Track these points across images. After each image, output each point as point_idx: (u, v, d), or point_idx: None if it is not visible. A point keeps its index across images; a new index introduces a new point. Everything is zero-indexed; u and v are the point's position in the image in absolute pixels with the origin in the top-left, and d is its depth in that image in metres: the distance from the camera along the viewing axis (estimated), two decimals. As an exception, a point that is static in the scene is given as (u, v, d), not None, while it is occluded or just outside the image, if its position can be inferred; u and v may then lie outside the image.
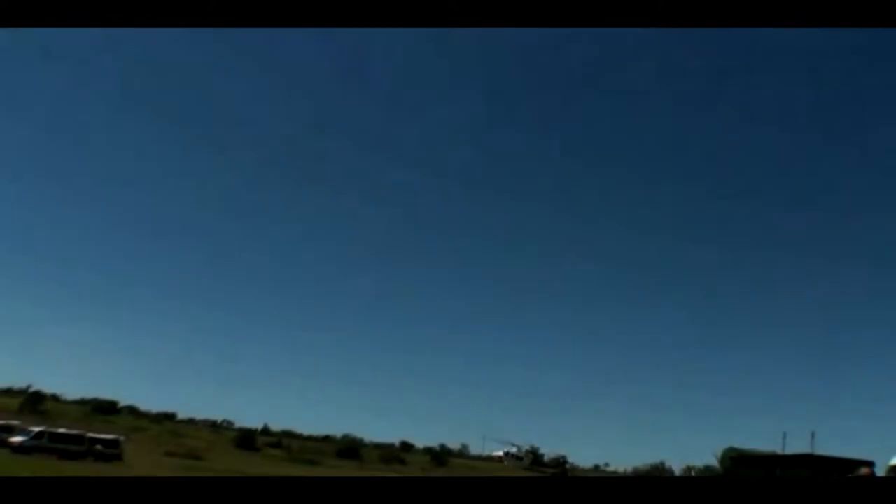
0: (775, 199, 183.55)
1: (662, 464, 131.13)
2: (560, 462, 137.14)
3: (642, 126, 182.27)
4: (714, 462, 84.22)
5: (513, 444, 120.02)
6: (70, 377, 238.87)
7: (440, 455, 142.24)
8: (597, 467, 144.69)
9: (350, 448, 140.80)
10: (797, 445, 59.51)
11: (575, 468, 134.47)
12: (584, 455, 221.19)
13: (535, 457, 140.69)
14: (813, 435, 60.04)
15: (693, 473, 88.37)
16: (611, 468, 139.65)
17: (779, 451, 56.86)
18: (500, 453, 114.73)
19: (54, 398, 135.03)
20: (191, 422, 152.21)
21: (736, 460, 56.56)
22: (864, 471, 8.16)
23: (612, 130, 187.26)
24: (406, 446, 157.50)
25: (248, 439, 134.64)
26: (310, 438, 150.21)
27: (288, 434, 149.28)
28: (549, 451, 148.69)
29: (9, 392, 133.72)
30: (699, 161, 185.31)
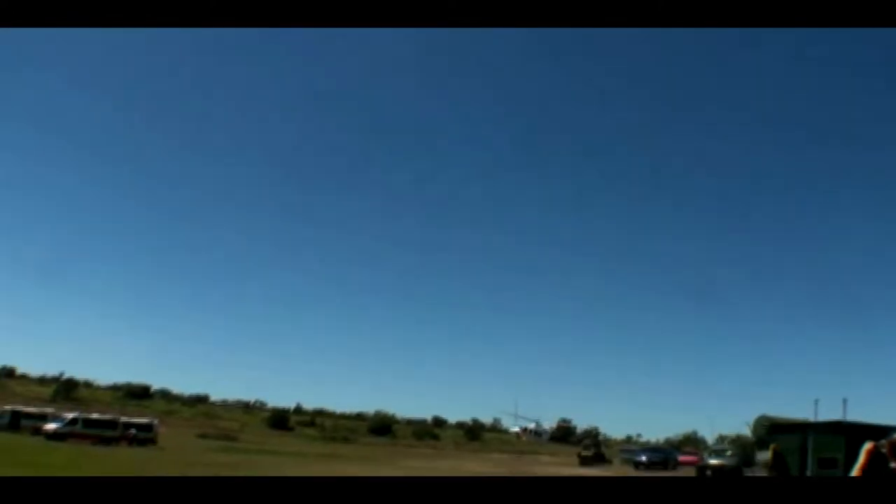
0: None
1: (694, 433, 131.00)
2: (593, 434, 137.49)
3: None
4: (745, 431, 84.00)
5: (532, 420, 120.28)
6: (102, 363, 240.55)
7: (473, 430, 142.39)
8: (629, 438, 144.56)
9: (383, 425, 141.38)
10: (829, 413, 58.95)
11: (607, 439, 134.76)
12: (616, 427, 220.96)
13: (567, 430, 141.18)
14: (845, 402, 59.63)
15: (725, 443, 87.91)
16: (643, 439, 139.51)
17: (811, 418, 56.40)
18: (518, 429, 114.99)
19: (87, 385, 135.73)
20: (223, 403, 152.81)
21: (769, 428, 56.26)
22: (897, 436, 8.10)
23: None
24: (438, 422, 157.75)
25: (281, 419, 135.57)
26: (342, 416, 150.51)
27: (320, 413, 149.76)
28: (581, 424, 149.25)
29: (42, 380, 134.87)
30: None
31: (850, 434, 43.00)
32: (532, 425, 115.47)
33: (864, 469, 7.77)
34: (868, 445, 7.93)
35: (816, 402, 61.88)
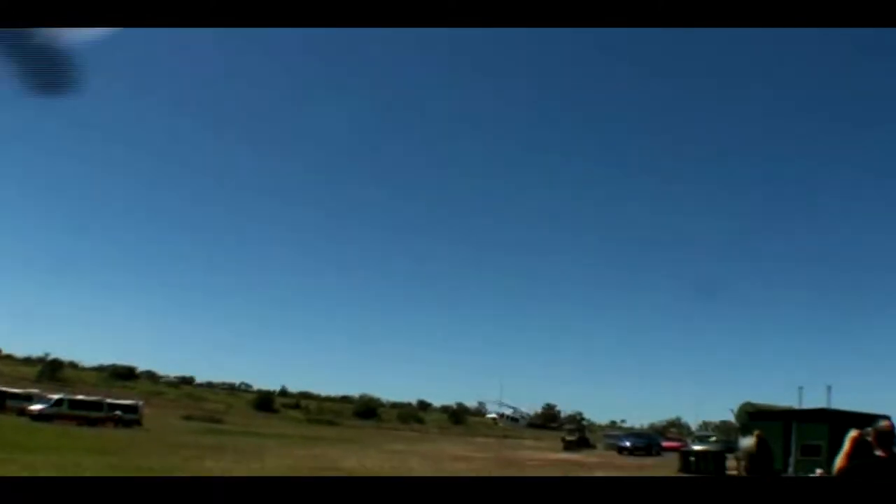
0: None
1: (678, 419, 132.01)
2: (577, 419, 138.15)
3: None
4: (730, 417, 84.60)
5: (509, 406, 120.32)
6: (88, 344, 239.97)
7: (457, 413, 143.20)
8: (613, 423, 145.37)
9: (368, 408, 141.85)
10: (813, 400, 59.40)
11: (591, 424, 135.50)
12: (600, 412, 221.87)
13: (549, 416, 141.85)
14: (829, 389, 60.01)
15: (709, 429, 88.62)
16: (627, 424, 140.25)
17: (795, 405, 56.82)
18: (494, 415, 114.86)
19: (72, 365, 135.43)
20: (209, 385, 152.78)
21: (752, 415, 56.68)
22: (884, 424, 8.10)
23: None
24: (423, 405, 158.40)
25: (266, 401, 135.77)
26: (328, 399, 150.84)
27: (306, 395, 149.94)
28: (566, 409, 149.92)
29: (27, 361, 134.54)
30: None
31: (833, 421, 43.38)
32: (509, 411, 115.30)
33: (849, 456, 7.85)
34: (853, 433, 8.01)
35: (801, 389, 62.43)
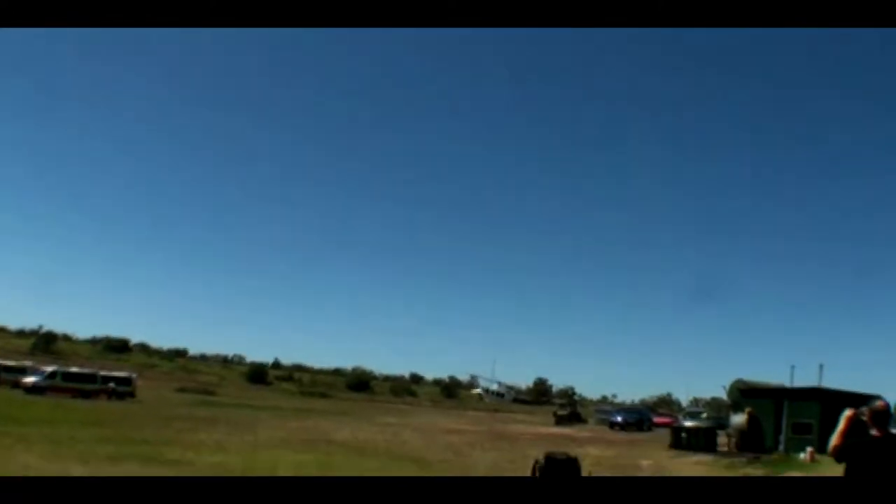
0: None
1: (669, 395, 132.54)
2: (569, 394, 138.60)
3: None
4: (721, 394, 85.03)
5: (494, 381, 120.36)
6: (81, 317, 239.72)
7: (449, 387, 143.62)
8: (604, 398, 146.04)
9: (360, 381, 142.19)
10: (805, 379, 59.59)
11: (583, 399, 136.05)
12: (591, 387, 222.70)
13: (540, 391, 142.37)
14: (821, 368, 60.32)
15: (699, 406, 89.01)
16: (618, 400, 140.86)
17: (787, 384, 57.12)
18: (480, 390, 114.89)
19: (66, 338, 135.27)
20: (202, 357, 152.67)
21: (744, 392, 57.06)
22: (879, 403, 8.14)
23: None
24: (416, 379, 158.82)
25: (259, 373, 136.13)
26: (320, 372, 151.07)
27: (299, 368, 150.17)
28: (557, 384, 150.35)
29: (21, 333, 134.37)
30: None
31: (825, 400, 43.75)
32: (495, 386, 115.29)
33: (844, 434, 7.93)
34: (848, 412, 8.08)
35: (793, 367, 62.59)
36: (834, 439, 7.95)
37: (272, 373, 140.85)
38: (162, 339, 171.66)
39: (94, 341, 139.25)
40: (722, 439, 48.66)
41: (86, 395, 63.08)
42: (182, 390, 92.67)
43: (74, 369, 71.77)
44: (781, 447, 45.58)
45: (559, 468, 18.49)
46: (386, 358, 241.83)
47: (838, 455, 7.86)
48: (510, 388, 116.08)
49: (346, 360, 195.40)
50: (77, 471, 21.12)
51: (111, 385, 67.40)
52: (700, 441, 46.52)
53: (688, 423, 52.84)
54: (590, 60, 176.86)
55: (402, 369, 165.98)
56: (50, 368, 69.33)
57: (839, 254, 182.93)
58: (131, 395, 67.04)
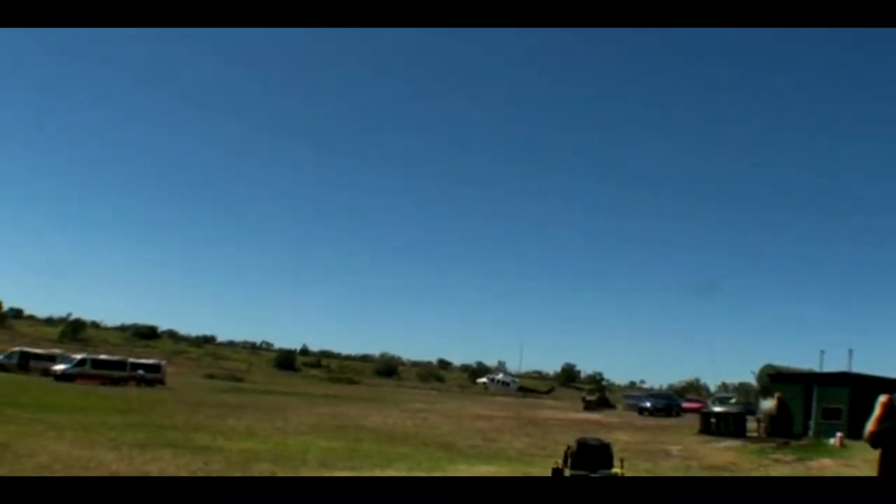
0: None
1: (697, 381, 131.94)
2: (597, 379, 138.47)
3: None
4: (749, 379, 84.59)
5: (502, 372, 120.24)
6: (110, 304, 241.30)
7: (477, 373, 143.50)
8: (632, 384, 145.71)
9: (388, 367, 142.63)
10: (835, 364, 59.08)
11: (611, 385, 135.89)
12: (619, 373, 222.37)
13: (571, 375, 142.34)
14: (850, 353, 59.72)
15: (728, 390, 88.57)
16: (646, 385, 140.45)
17: (816, 369, 56.66)
18: (485, 380, 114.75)
19: (94, 325, 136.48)
20: (230, 344, 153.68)
21: (773, 377, 56.68)
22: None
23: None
24: (443, 364, 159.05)
25: (287, 360, 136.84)
26: (348, 358, 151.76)
27: (326, 354, 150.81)
28: (585, 369, 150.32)
29: (49, 321, 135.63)
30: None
31: (855, 385, 43.40)
32: (500, 375, 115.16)
33: (880, 420, 7.78)
34: (883, 398, 7.91)
35: (822, 352, 62.14)
36: (870, 425, 7.81)
37: (300, 359, 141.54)
38: (190, 326, 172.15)
39: (122, 328, 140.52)
40: (751, 424, 48.44)
41: (115, 382, 63.54)
42: (210, 377, 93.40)
43: (104, 357, 72.44)
44: (811, 432, 45.29)
45: (592, 454, 18.41)
46: (413, 344, 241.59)
47: (874, 441, 7.73)
48: (514, 378, 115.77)
49: (373, 346, 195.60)
50: (108, 458, 21.26)
51: (140, 372, 67.80)
52: (730, 426, 46.31)
53: (717, 409, 52.56)
54: (589, 60, 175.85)
55: (429, 355, 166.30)
56: (79, 356, 69.94)
57: (869, 236, 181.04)
58: (160, 382, 67.44)
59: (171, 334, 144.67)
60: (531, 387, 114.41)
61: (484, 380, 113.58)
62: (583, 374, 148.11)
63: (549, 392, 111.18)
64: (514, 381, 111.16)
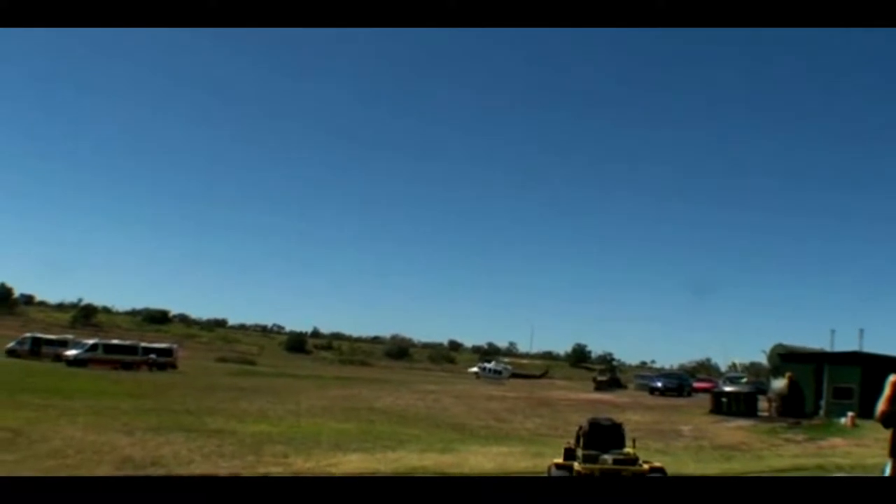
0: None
1: (708, 360, 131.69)
2: (607, 360, 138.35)
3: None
4: (759, 358, 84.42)
5: (496, 361, 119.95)
6: (120, 288, 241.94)
7: (488, 353, 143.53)
8: (643, 364, 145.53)
9: (399, 349, 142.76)
10: (846, 343, 58.90)
11: (622, 365, 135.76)
12: (630, 353, 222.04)
13: (582, 355, 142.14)
14: (861, 332, 59.52)
15: (738, 370, 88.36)
16: (657, 365, 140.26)
17: (827, 348, 56.55)
18: (475, 369, 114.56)
19: (106, 310, 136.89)
20: (241, 327, 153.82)
21: (784, 357, 56.58)
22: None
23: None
24: (454, 346, 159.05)
25: (298, 343, 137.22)
26: (359, 340, 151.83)
27: (337, 336, 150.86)
28: (596, 349, 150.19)
29: (61, 306, 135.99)
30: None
31: (866, 365, 43.25)
32: (492, 363, 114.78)
33: (891, 400, 7.75)
34: (893, 377, 7.87)
35: (833, 332, 61.95)
36: (881, 405, 7.78)
37: (311, 342, 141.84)
38: (201, 310, 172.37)
39: (133, 313, 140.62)
40: (763, 404, 48.40)
41: (127, 366, 63.65)
42: (222, 360, 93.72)
43: (115, 341, 72.66)
44: (822, 412, 45.25)
45: (603, 434, 18.43)
46: (424, 326, 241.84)
47: (885, 420, 7.71)
48: (506, 366, 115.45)
49: (384, 328, 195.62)
50: (122, 442, 21.41)
51: (152, 356, 68.03)
52: (741, 406, 46.29)
53: (728, 388, 52.51)
54: (589, 59, 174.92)
55: (440, 337, 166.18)
56: (91, 341, 70.20)
57: (881, 215, 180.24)
58: (173, 365, 67.67)
59: (183, 318, 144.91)
60: (525, 372, 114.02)
61: (475, 369, 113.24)
62: (594, 355, 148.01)
63: (542, 375, 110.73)
64: (506, 369, 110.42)
